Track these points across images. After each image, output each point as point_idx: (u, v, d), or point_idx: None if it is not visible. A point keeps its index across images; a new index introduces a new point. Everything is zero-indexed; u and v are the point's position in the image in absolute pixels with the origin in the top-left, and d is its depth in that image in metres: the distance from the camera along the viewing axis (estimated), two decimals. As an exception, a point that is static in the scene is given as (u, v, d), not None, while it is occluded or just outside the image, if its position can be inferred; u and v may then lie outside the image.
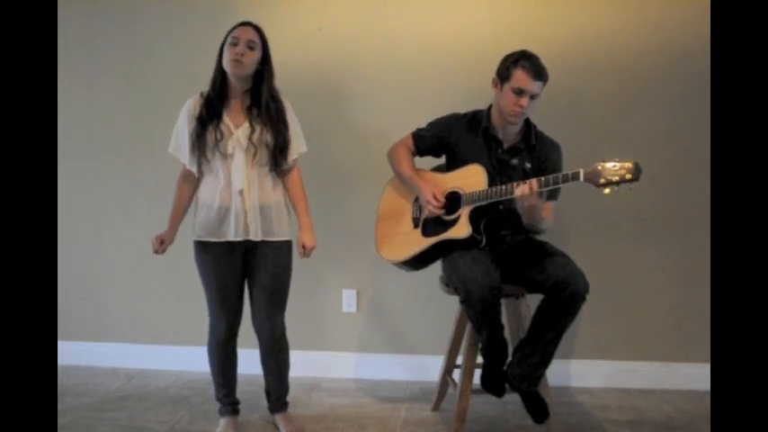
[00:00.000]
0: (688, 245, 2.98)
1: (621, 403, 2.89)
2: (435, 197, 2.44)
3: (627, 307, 3.04)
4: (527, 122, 2.50)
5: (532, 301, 2.42)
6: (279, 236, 2.43)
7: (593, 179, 2.15)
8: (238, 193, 2.35)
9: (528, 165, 2.48)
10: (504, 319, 2.42)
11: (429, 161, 2.66)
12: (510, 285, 2.40)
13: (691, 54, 2.89)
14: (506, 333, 2.40)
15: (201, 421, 2.73)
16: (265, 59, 2.38)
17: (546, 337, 2.32)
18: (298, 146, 2.46)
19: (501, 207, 2.42)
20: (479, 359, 2.44)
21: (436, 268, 2.60)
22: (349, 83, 3.09)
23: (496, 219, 2.44)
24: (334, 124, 3.10)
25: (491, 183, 2.37)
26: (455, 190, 2.45)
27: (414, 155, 2.61)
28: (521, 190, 2.23)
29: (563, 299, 2.26)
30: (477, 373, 2.46)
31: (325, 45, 3.07)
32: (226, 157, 2.35)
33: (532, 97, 2.37)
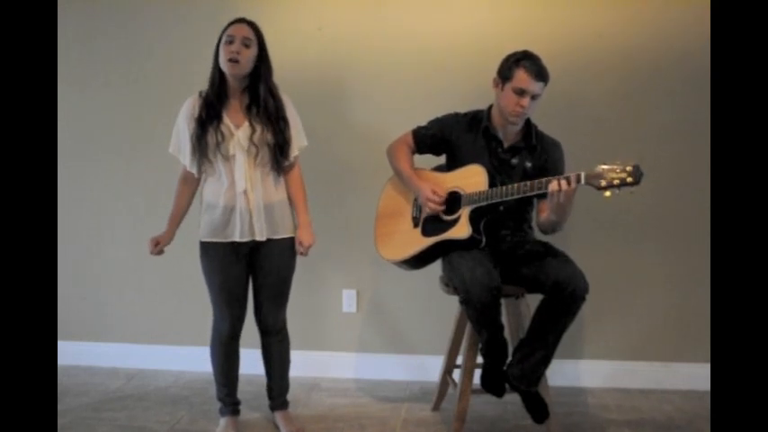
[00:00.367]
0: (688, 245, 2.98)
1: (621, 403, 2.89)
2: (435, 192, 2.44)
3: (627, 307, 3.04)
4: (527, 122, 2.50)
5: (532, 301, 2.42)
6: (283, 233, 2.44)
7: (594, 182, 2.15)
8: (242, 194, 2.35)
9: (528, 164, 2.47)
10: (504, 319, 2.42)
11: (429, 161, 2.65)
12: (510, 285, 2.40)
13: (691, 54, 2.89)
14: (506, 333, 2.41)
15: (201, 421, 2.73)
16: (262, 56, 2.36)
17: (546, 337, 2.32)
18: (298, 141, 2.46)
19: (501, 207, 2.42)
20: (479, 359, 2.44)
21: (436, 268, 2.60)
22: (349, 83, 3.09)
23: (496, 219, 2.44)
24: (334, 124, 3.10)
25: (491, 183, 2.37)
26: (455, 190, 2.45)
27: (413, 152, 2.61)
28: (556, 184, 2.19)
29: (563, 299, 2.26)
30: (477, 373, 2.46)
31: (325, 45, 3.07)
32: (228, 158, 2.35)
33: (533, 98, 2.36)
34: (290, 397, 2.65)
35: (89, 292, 3.35)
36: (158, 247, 2.48)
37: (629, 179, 2.11)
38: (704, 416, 2.74)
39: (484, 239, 2.40)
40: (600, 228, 3.01)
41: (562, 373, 3.02)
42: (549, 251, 2.43)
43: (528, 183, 2.28)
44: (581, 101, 2.97)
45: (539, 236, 2.57)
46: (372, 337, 3.20)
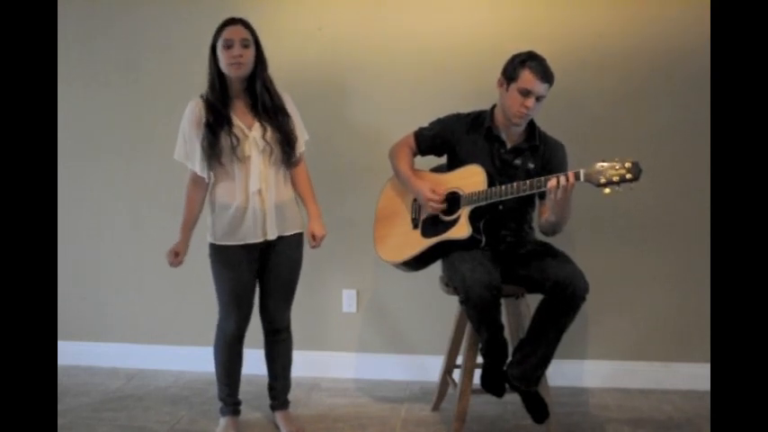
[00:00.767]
0: (688, 245, 2.98)
1: (621, 403, 2.89)
2: (434, 191, 2.44)
3: (627, 307, 3.04)
4: (531, 123, 2.49)
5: (532, 301, 2.42)
6: (292, 229, 2.45)
7: (594, 179, 2.15)
8: (255, 194, 2.34)
9: (531, 165, 2.47)
10: (504, 319, 2.42)
11: (430, 161, 2.65)
12: (510, 285, 2.40)
13: (691, 54, 2.89)
14: (506, 333, 2.40)
15: (201, 421, 2.73)
16: (258, 53, 2.36)
17: (546, 337, 2.32)
18: (302, 135, 2.47)
19: (501, 207, 2.42)
20: (479, 359, 2.44)
21: (436, 268, 2.60)
22: (349, 83, 3.09)
23: (496, 219, 2.44)
24: (334, 124, 3.10)
25: (491, 183, 2.37)
26: (454, 190, 2.45)
27: (415, 154, 2.61)
28: (555, 181, 2.20)
29: (563, 299, 2.26)
30: (477, 373, 2.46)
31: (325, 45, 3.07)
32: (242, 160, 2.34)
33: (538, 99, 2.36)
34: (290, 397, 2.66)
35: (89, 292, 3.35)
36: (179, 258, 2.46)
37: (629, 175, 2.11)
38: (704, 416, 2.73)
39: (484, 239, 2.40)
40: (600, 228, 3.01)
41: (562, 373, 3.02)
42: (550, 251, 2.43)
43: (526, 182, 2.28)
44: (581, 100, 2.97)
45: (539, 236, 2.57)
46: (372, 337, 3.20)
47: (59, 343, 3.19)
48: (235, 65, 2.29)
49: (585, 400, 2.93)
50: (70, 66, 3.21)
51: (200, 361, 3.24)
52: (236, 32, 2.31)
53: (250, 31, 2.34)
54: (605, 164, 2.14)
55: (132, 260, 3.29)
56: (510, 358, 2.40)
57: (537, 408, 2.38)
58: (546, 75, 2.34)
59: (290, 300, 2.53)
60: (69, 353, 3.32)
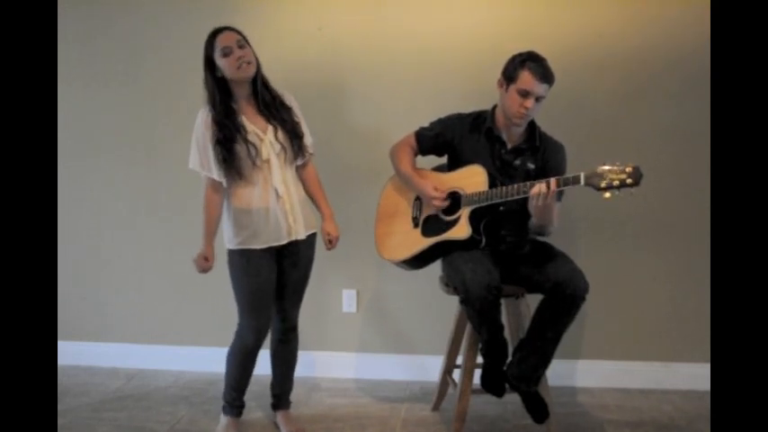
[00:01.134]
0: (688, 245, 2.98)
1: (621, 403, 2.89)
2: (437, 189, 2.44)
3: (627, 307, 3.04)
4: (531, 123, 2.49)
5: (532, 301, 2.42)
6: (308, 230, 2.46)
7: (594, 183, 2.14)
8: (278, 197, 2.34)
9: (531, 165, 2.47)
10: (504, 319, 2.42)
11: (430, 161, 2.65)
12: (510, 285, 2.40)
13: (691, 54, 2.89)
14: (506, 333, 2.40)
15: (201, 421, 2.73)
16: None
17: (546, 337, 2.32)
18: (308, 134, 2.48)
19: (501, 208, 2.42)
20: (479, 359, 2.44)
21: (436, 268, 2.60)
22: (349, 83, 3.09)
23: (497, 219, 2.44)
24: (334, 124, 3.10)
25: (492, 183, 2.37)
26: (455, 190, 2.45)
27: (416, 154, 2.61)
28: (537, 188, 2.21)
29: (563, 299, 2.26)
30: (477, 373, 2.46)
31: (325, 45, 3.07)
32: (261, 165, 2.33)
33: (538, 99, 2.35)
34: (290, 397, 2.66)
35: (89, 292, 3.35)
36: (209, 262, 2.41)
37: (629, 180, 2.11)
38: (704, 416, 2.73)
39: (484, 240, 2.40)
40: (600, 228, 3.01)
41: (562, 373, 3.02)
42: (550, 251, 2.43)
43: (528, 183, 2.27)
44: (581, 101, 2.97)
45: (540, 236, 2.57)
46: (372, 337, 3.21)
47: (59, 343, 3.19)
48: (243, 65, 2.27)
49: (585, 400, 2.93)
50: (70, 66, 3.21)
51: (201, 361, 3.24)
52: (228, 38, 2.30)
53: (240, 33, 2.33)
54: (606, 168, 2.13)
55: (132, 260, 3.29)
56: (510, 358, 2.40)
57: (537, 408, 2.38)
58: (545, 75, 2.33)
59: (301, 299, 2.54)
60: (69, 353, 3.32)
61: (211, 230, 2.41)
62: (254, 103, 2.38)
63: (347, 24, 3.05)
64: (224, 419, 2.57)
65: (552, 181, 2.20)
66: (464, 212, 2.40)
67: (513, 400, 2.58)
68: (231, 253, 2.39)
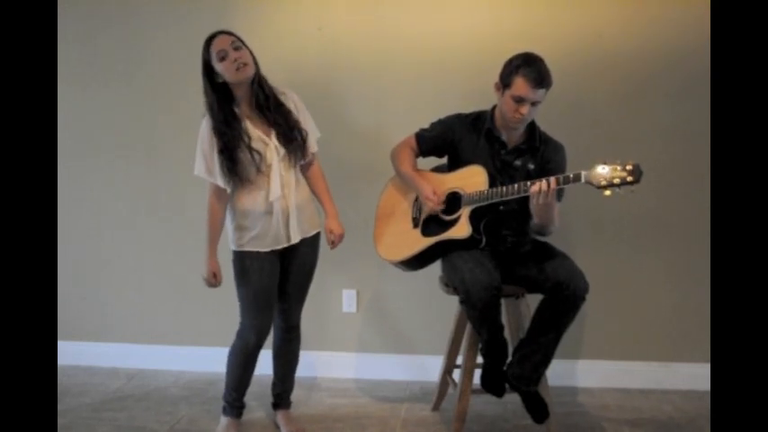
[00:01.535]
0: (688, 245, 2.98)
1: (621, 403, 2.89)
2: (435, 193, 2.44)
3: (627, 307, 3.04)
4: (531, 124, 2.48)
5: (532, 301, 2.42)
6: (311, 230, 2.46)
7: (595, 181, 2.14)
8: (280, 200, 2.34)
9: (531, 166, 2.47)
10: (504, 319, 2.42)
11: (431, 161, 2.65)
12: (510, 285, 2.40)
13: (691, 54, 2.89)
14: (506, 333, 2.41)
15: (201, 421, 2.73)
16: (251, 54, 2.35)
17: (546, 337, 2.32)
18: (313, 133, 2.47)
19: (501, 208, 2.42)
20: (479, 359, 2.44)
21: (436, 268, 2.60)
22: (349, 83, 3.09)
23: (497, 219, 2.44)
24: (333, 124, 3.09)
25: (492, 183, 2.37)
26: (455, 190, 2.45)
27: (417, 155, 2.60)
28: (537, 186, 2.21)
29: (563, 299, 2.26)
30: (477, 373, 2.46)
31: (325, 45, 3.07)
32: (265, 169, 2.33)
33: (534, 104, 2.34)
34: (291, 397, 2.66)
35: (89, 292, 3.35)
36: (218, 277, 2.42)
37: (629, 178, 2.11)
38: (704, 416, 2.74)
39: (484, 240, 2.40)
40: (600, 228, 3.01)
41: (562, 373, 3.02)
42: (550, 251, 2.43)
43: (528, 182, 2.27)
44: (581, 101, 2.97)
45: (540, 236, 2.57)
46: (372, 337, 3.20)
47: (59, 343, 3.19)
48: (240, 67, 2.26)
49: (585, 400, 2.93)
50: (70, 66, 3.21)
51: (201, 361, 3.24)
52: (222, 41, 2.28)
53: (233, 35, 2.31)
54: (606, 166, 2.13)
55: (132, 260, 3.29)
56: (510, 358, 2.40)
57: (537, 408, 2.38)
58: (540, 80, 2.30)
59: (304, 298, 2.54)
60: (69, 353, 3.32)
61: (215, 237, 2.40)
62: (252, 108, 2.37)
63: (347, 24, 3.05)
64: (224, 420, 2.57)
65: (552, 179, 2.20)
66: (464, 212, 2.40)
67: (513, 400, 2.58)
68: (235, 254, 2.40)
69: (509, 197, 2.30)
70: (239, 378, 2.51)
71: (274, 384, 2.63)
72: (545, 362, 2.36)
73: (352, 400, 2.96)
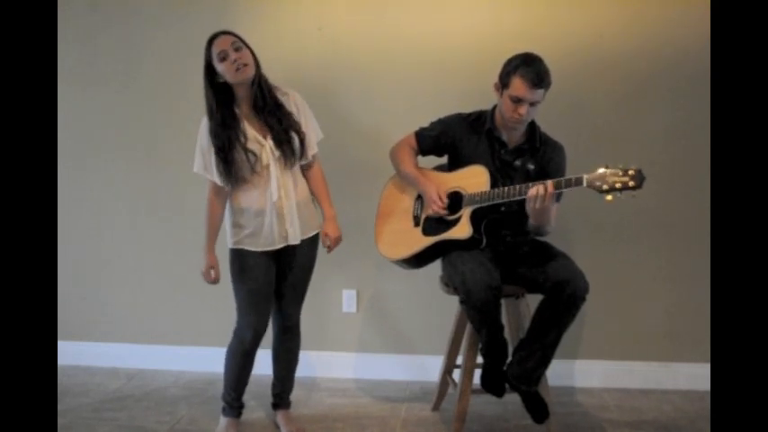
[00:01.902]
0: (688, 245, 2.98)
1: (621, 403, 2.89)
2: (440, 197, 2.44)
3: (627, 307, 3.04)
4: (531, 124, 2.48)
5: (532, 301, 2.42)
6: (310, 231, 2.46)
7: (596, 185, 2.14)
8: (275, 201, 2.34)
9: (531, 166, 2.47)
10: (504, 319, 2.42)
11: (431, 160, 2.65)
12: (510, 285, 2.40)
13: (691, 54, 2.89)
14: (506, 333, 2.40)
15: (201, 421, 2.73)
16: (252, 54, 2.35)
17: (546, 337, 2.32)
18: (315, 134, 2.47)
19: (502, 208, 2.42)
20: (479, 359, 2.44)
21: (436, 268, 2.60)
22: (349, 83, 3.09)
23: (497, 220, 2.44)
24: (333, 124, 3.08)
25: (494, 184, 2.37)
26: (457, 190, 2.45)
27: (417, 154, 2.61)
28: (535, 191, 2.21)
29: (563, 299, 2.26)
30: (477, 373, 2.46)
31: (325, 45, 3.07)
32: (261, 170, 2.33)
33: (533, 104, 2.34)
34: (290, 397, 2.66)
35: (89, 292, 3.35)
36: (215, 272, 2.43)
37: (632, 183, 2.10)
38: (704, 416, 2.74)
39: (484, 240, 2.40)
40: (600, 228, 3.01)
41: (562, 373, 3.02)
42: (550, 251, 2.43)
43: (530, 184, 2.27)
44: (581, 101, 2.97)
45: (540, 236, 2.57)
46: (372, 337, 3.21)
47: (59, 343, 3.19)
48: (240, 68, 2.26)
49: (585, 400, 2.93)
50: (70, 66, 3.21)
51: (201, 361, 3.24)
52: (223, 42, 2.28)
53: (234, 35, 2.32)
54: (608, 170, 2.12)
55: (132, 260, 3.29)
56: (510, 358, 2.40)
57: (537, 408, 2.38)
58: (538, 81, 2.29)
59: (302, 298, 2.54)
60: (69, 353, 3.32)
61: (213, 233, 2.42)
62: (251, 109, 2.37)
63: (347, 24, 3.05)
64: (223, 420, 2.57)
65: (549, 183, 2.20)
66: (465, 212, 2.40)
67: (513, 400, 2.58)
68: (231, 251, 2.42)
69: (511, 198, 2.30)
70: (237, 377, 2.51)
71: (274, 384, 2.63)
72: (545, 362, 2.36)
73: (351, 400, 2.96)
